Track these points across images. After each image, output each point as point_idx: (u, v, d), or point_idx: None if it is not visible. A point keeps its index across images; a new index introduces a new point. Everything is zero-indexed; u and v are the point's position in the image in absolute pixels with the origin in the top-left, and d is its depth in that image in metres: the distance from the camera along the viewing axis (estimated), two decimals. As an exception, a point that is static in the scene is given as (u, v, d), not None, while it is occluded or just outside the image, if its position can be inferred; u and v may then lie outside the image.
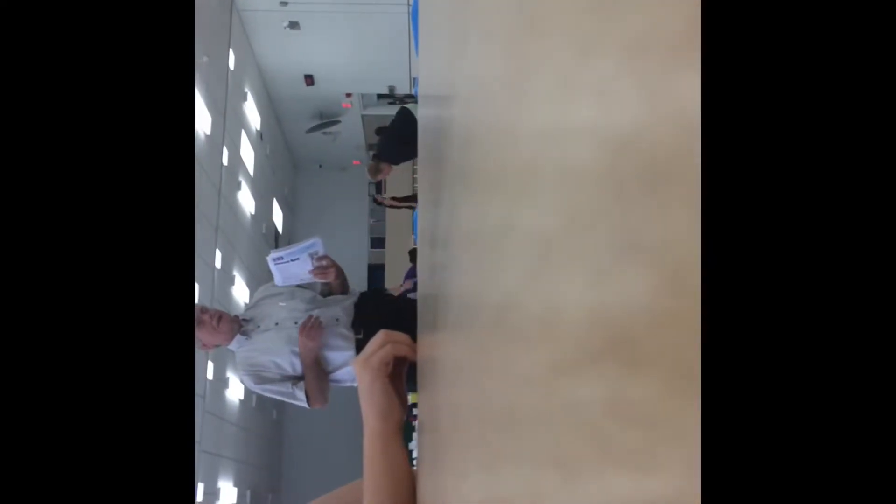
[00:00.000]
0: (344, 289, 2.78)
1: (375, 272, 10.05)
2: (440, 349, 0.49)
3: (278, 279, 2.68)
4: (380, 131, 6.14)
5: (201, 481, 6.06)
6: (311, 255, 2.62)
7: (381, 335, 0.78)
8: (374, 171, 5.64)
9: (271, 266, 2.65)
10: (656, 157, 0.13)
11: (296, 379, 2.59)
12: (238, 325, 2.61)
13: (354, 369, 0.77)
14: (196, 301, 5.80)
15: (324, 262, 2.60)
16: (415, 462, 0.71)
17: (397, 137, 5.39)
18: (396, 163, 5.81)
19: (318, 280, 2.66)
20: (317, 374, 2.56)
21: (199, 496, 6.03)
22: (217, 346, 2.61)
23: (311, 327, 2.49)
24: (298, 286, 2.72)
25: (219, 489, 6.71)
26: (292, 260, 2.62)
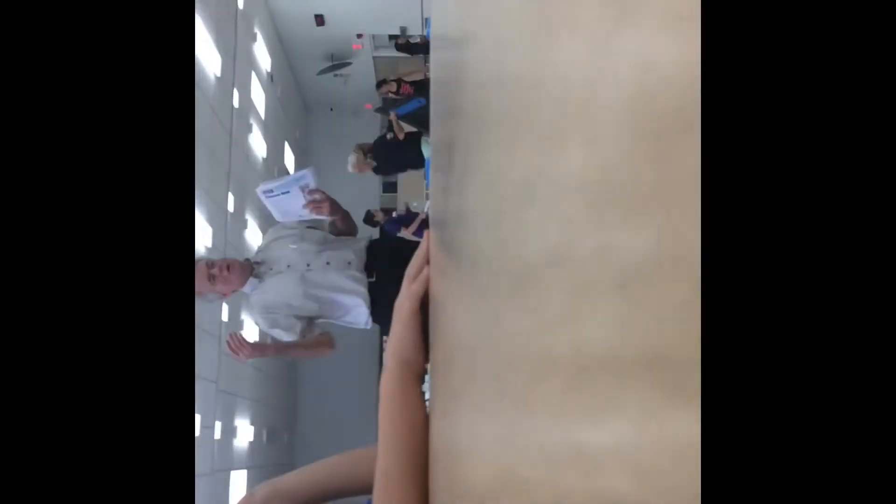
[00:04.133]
0: (351, 228, 2.78)
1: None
2: (454, 294, 0.49)
3: (277, 215, 2.66)
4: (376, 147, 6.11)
5: (219, 420, 6.21)
6: (303, 189, 2.57)
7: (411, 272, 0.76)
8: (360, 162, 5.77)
9: (264, 200, 2.62)
10: (688, 100, 0.12)
11: (309, 320, 2.62)
12: (250, 268, 2.63)
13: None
14: (210, 244, 5.85)
15: (316, 196, 2.57)
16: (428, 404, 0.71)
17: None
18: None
19: (315, 215, 2.63)
20: (291, 353, 2.62)
21: (217, 434, 6.18)
22: (234, 291, 2.64)
23: (237, 344, 2.49)
24: (309, 227, 2.72)
25: (236, 427, 6.87)
26: (283, 193, 2.58)
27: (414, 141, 5.85)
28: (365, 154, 6.07)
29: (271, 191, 2.59)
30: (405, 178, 9.87)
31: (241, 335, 2.52)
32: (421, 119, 5.98)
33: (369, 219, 6.41)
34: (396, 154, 5.97)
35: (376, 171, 6.05)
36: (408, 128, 5.98)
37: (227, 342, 2.49)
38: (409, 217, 6.34)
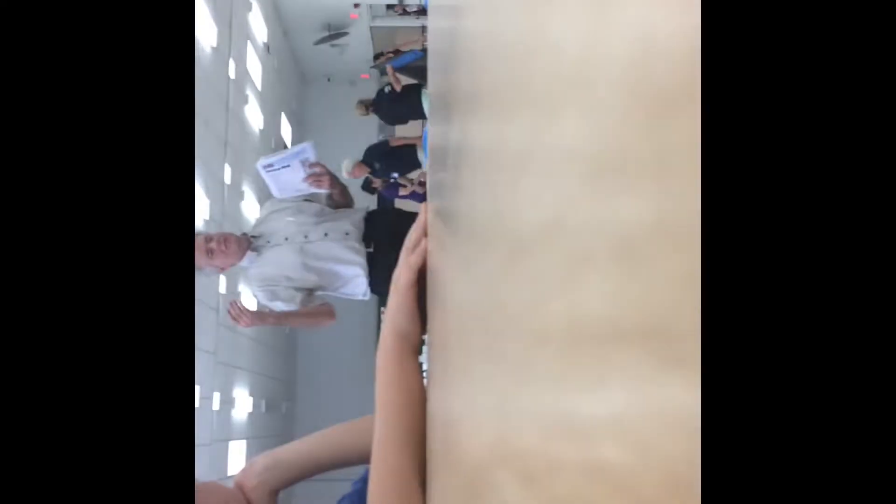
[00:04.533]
0: (348, 201, 2.77)
1: (385, 188, 10.03)
2: (451, 265, 0.49)
3: (274, 190, 2.65)
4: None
5: (217, 391, 6.25)
6: (303, 163, 2.56)
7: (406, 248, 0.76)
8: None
9: (263, 175, 2.61)
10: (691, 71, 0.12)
11: (308, 292, 2.63)
12: (247, 242, 2.63)
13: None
14: (207, 217, 5.84)
15: (317, 169, 2.56)
16: (426, 375, 0.72)
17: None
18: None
19: (315, 189, 2.63)
20: (291, 321, 2.63)
21: (216, 405, 6.22)
22: (232, 265, 2.64)
23: (237, 312, 2.49)
24: (306, 200, 2.71)
25: (234, 398, 6.92)
26: (283, 167, 2.57)
27: (414, 92, 5.88)
28: (367, 108, 6.13)
29: (272, 165, 2.57)
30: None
31: (241, 303, 2.53)
32: (418, 71, 6.00)
33: (367, 185, 6.41)
34: (397, 106, 6.02)
35: (380, 117, 6.12)
36: (406, 80, 6.00)
37: (228, 311, 2.50)
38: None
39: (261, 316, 2.64)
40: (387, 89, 6.07)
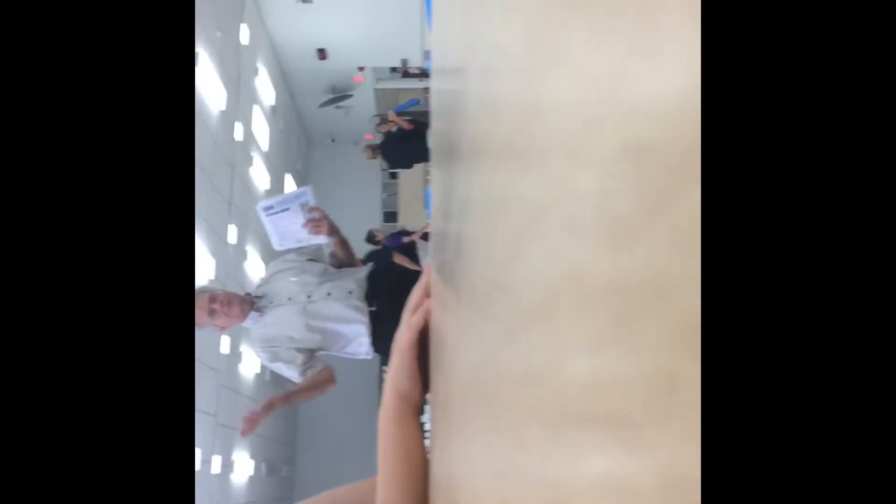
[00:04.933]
0: (350, 255, 2.77)
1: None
2: (454, 328, 0.48)
3: (275, 240, 2.64)
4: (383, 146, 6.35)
5: (218, 454, 6.15)
6: (302, 206, 2.56)
7: (409, 308, 0.76)
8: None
9: (263, 219, 2.60)
10: (666, 153, 0.12)
11: (310, 353, 2.61)
12: (250, 302, 2.62)
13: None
14: (211, 277, 5.85)
15: (315, 214, 2.56)
16: (427, 434, 0.71)
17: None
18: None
19: (314, 236, 2.62)
20: (296, 398, 2.62)
21: (217, 468, 6.12)
22: (233, 325, 2.63)
23: (250, 421, 2.50)
24: (309, 260, 2.71)
25: (234, 461, 6.80)
26: (282, 210, 2.56)
27: (420, 133, 6.00)
28: (373, 151, 6.28)
29: (271, 207, 2.57)
30: (405, 208, 9.89)
31: (250, 414, 2.52)
32: (418, 116, 6.16)
33: (371, 238, 6.45)
34: (405, 145, 6.14)
35: (386, 159, 6.29)
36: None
37: (242, 430, 2.49)
38: (408, 232, 6.39)
39: (268, 408, 2.61)
40: (395, 129, 6.25)
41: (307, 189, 2.60)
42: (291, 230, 2.58)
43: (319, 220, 2.56)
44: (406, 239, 6.22)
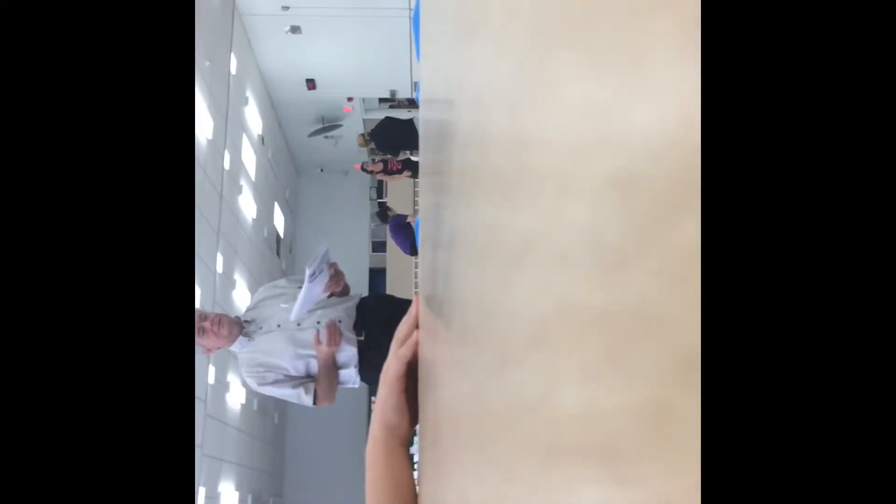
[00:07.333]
0: (344, 290, 2.76)
1: (377, 276, 10.04)
2: (442, 360, 0.48)
3: (299, 308, 2.49)
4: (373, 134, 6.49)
5: (203, 485, 6.05)
6: (328, 265, 2.51)
7: (395, 342, 0.76)
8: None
9: (305, 287, 2.45)
10: (657, 185, 0.12)
11: (300, 380, 2.58)
12: (240, 326, 2.60)
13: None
14: (197, 306, 5.80)
15: (335, 270, 2.55)
16: (416, 466, 0.70)
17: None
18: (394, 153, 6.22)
19: (331, 291, 2.59)
20: (330, 374, 2.56)
21: (201, 500, 6.01)
22: (220, 347, 2.60)
23: (332, 333, 2.48)
24: (299, 287, 2.68)
25: (220, 492, 6.69)
26: (320, 273, 2.48)
27: (411, 127, 6.14)
28: (365, 137, 6.43)
29: (314, 273, 2.47)
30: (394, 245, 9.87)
31: (327, 328, 2.47)
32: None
33: (383, 213, 6.57)
34: (396, 130, 6.26)
35: (377, 144, 6.44)
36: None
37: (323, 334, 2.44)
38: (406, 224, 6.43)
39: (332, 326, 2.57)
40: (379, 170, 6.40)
41: (325, 247, 2.53)
42: (315, 291, 2.51)
43: (339, 275, 2.55)
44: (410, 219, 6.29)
